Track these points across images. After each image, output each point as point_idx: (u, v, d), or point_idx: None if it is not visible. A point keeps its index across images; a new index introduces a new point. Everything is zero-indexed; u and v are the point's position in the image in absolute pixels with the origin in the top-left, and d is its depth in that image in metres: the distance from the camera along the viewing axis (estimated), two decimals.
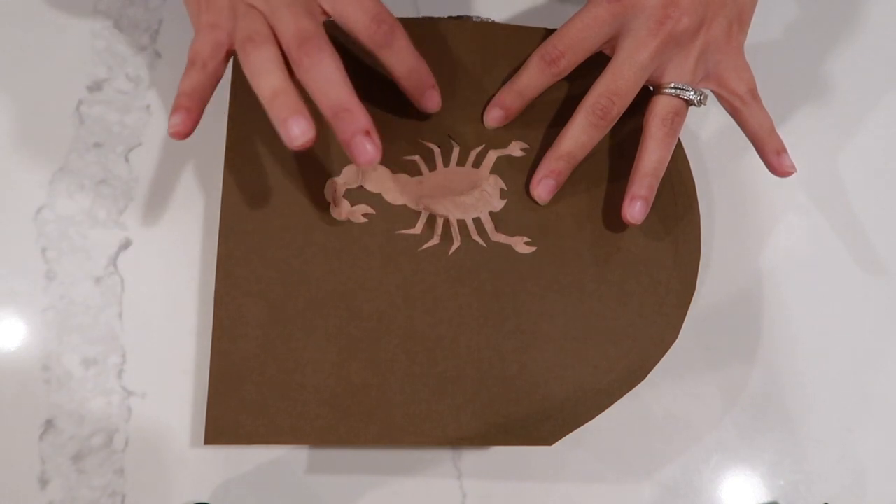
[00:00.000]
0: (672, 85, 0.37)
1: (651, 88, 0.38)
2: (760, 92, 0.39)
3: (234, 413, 0.37)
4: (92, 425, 0.40)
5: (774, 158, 0.38)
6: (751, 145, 0.39)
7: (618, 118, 0.37)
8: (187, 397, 0.40)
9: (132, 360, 0.41)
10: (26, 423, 0.40)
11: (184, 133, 0.34)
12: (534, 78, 0.38)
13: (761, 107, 0.38)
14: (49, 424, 0.40)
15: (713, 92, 0.39)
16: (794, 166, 0.38)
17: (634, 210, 0.37)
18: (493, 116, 0.39)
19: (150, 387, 0.40)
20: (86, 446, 0.40)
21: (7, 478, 0.39)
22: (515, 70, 0.40)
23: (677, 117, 0.37)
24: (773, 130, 0.38)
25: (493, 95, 0.40)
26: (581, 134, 0.37)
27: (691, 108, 0.38)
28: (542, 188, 0.38)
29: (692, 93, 0.37)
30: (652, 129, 0.37)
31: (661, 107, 0.37)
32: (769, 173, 0.39)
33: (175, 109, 0.34)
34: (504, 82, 0.40)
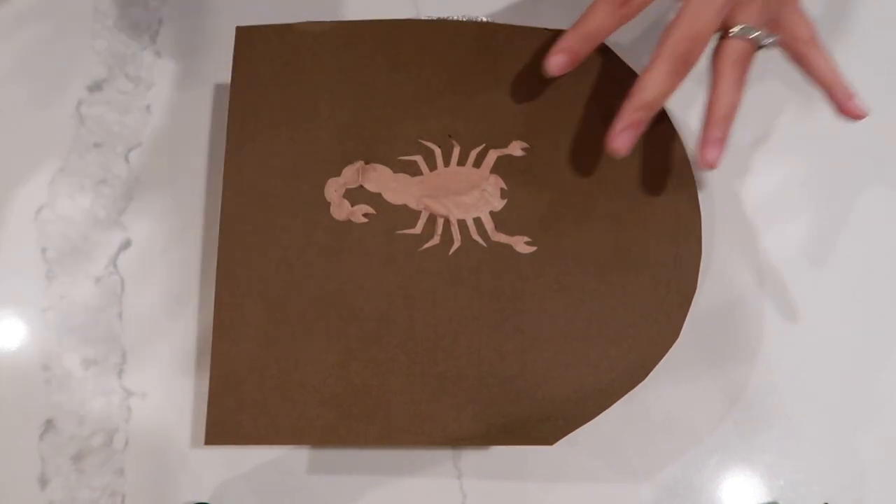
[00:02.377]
0: (741, 26, 0.36)
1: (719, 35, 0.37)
2: (760, 90, 0.38)
3: (234, 413, 0.37)
4: (92, 425, 0.40)
5: (846, 103, 0.37)
6: (753, 145, 0.39)
7: (695, 65, 0.35)
8: (187, 397, 0.40)
9: (132, 360, 0.41)
10: (26, 423, 0.40)
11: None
12: (604, 19, 0.36)
13: (825, 51, 0.37)
14: (49, 424, 0.40)
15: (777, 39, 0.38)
16: (866, 109, 0.37)
17: (714, 154, 0.35)
18: (557, 62, 0.36)
19: (150, 387, 0.40)
20: (86, 446, 0.40)
21: (7, 478, 0.39)
22: (516, 70, 0.40)
23: (747, 61, 0.36)
24: (839, 74, 0.37)
25: (493, 95, 0.40)
26: (660, 83, 0.35)
27: (697, 106, 0.38)
28: (622, 141, 0.36)
29: (761, 34, 0.36)
30: (724, 72, 0.36)
31: (731, 49, 0.36)
32: (769, 173, 0.39)
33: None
34: (505, 82, 0.40)
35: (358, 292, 0.38)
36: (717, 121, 0.36)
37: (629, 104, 0.36)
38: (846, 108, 0.37)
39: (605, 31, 0.36)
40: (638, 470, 0.41)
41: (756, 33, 0.36)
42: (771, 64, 0.41)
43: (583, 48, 0.37)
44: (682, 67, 0.35)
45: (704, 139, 0.36)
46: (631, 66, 0.41)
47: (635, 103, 0.36)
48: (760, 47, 0.36)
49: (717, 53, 0.36)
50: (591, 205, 0.39)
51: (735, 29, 0.36)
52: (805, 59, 0.37)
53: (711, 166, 0.36)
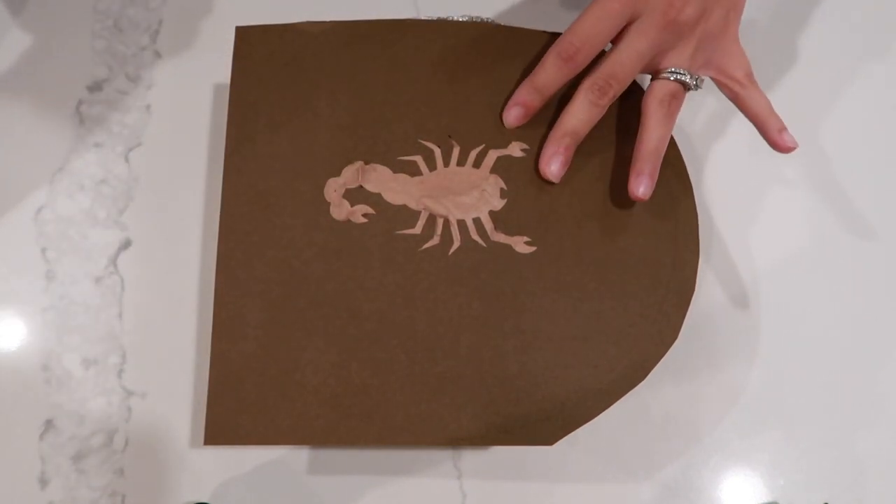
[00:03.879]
0: (670, 70, 0.38)
1: (650, 76, 0.39)
2: None
3: (233, 413, 0.37)
4: (92, 425, 0.40)
5: (777, 136, 0.39)
6: (749, 146, 0.39)
7: (615, 99, 0.39)
8: (187, 397, 0.40)
9: (132, 360, 0.41)
10: (26, 423, 0.40)
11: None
12: (552, 75, 0.39)
13: (759, 89, 0.40)
14: (49, 424, 0.40)
15: (712, 79, 0.40)
16: (795, 142, 0.39)
17: (641, 186, 0.38)
18: (514, 115, 0.39)
19: (150, 387, 0.40)
20: (86, 446, 0.40)
21: (7, 478, 0.39)
22: (516, 70, 0.40)
23: (674, 100, 0.38)
24: (772, 110, 0.40)
25: (493, 95, 0.40)
26: (582, 112, 0.38)
27: (691, 109, 0.38)
28: (555, 165, 0.39)
29: (688, 77, 0.39)
30: (650, 110, 0.38)
31: (658, 89, 0.38)
32: (768, 173, 0.39)
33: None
34: (505, 83, 0.40)
35: (358, 292, 0.38)
36: (645, 156, 0.38)
37: (554, 133, 0.39)
38: (777, 143, 0.40)
39: (555, 86, 0.39)
40: (638, 470, 0.41)
41: (682, 76, 0.39)
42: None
43: (534, 101, 0.39)
44: (601, 101, 0.38)
45: (633, 172, 0.38)
46: None
47: (560, 131, 0.39)
48: (689, 89, 0.39)
49: (646, 93, 0.39)
50: (590, 205, 0.39)
51: (663, 71, 0.39)
52: (739, 98, 0.40)
53: (640, 199, 0.38)
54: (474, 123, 0.40)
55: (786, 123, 0.39)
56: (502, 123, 0.40)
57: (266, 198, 0.39)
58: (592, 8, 0.38)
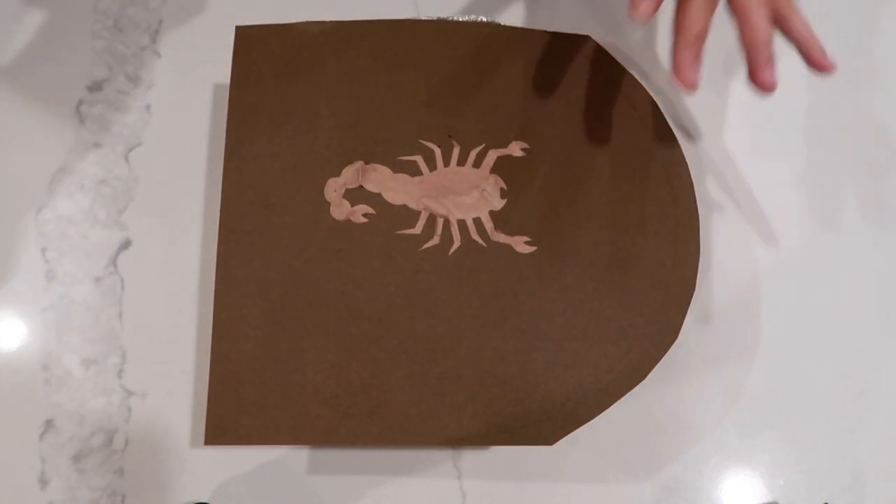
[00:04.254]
0: None
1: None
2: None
3: (234, 413, 0.37)
4: (92, 425, 0.40)
5: (822, 57, 0.38)
6: (749, 146, 0.39)
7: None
8: (187, 397, 0.40)
9: (132, 360, 0.41)
10: (26, 423, 0.40)
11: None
12: None
13: (802, 13, 0.38)
14: (49, 424, 0.40)
15: None
16: (835, 64, 0.38)
17: (770, 74, 0.37)
18: (647, 7, 0.36)
19: (150, 387, 0.40)
20: (86, 446, 0.40)
21: (7, 478, 0.39)
22: (515, 70, 0.40)
23: (765, 6, 0.37)
24: (814, 34, 0.38)
25: (493, 95, 0.40)
26: (701, 16, 0.37)
27: (691, 108, 0.38)
28: (694, 71, 0.37)
29: None
30: (750, 8, 0.37)
31: None
32: (768, 174, 0.39)
33: None
34: (504, 83, 0.40)
35: (358, 292, 0.38)
36: (761, 44, 0.37)
37: (684, 38, 0.37)
38: (823, 63, 0.38)
39: None
40: (638, 469, 0.41)
41: None
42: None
43: None
44: (713, 3, 0.37)
45: (755, 64, 0.37)
46: (628, 68, 0.42)
47: (691, 34, 0.37)
48: None
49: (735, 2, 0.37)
50: (590, 205, 0.39)
51: None
52: (785, 19, 0.39)
53: (770, 87, 0.37)
54: (474, 123, 0.40)
55: (781, 123, 0.39)
56: (502, 123, 0.40)
57: (266, 198, 0.39)
58: None
